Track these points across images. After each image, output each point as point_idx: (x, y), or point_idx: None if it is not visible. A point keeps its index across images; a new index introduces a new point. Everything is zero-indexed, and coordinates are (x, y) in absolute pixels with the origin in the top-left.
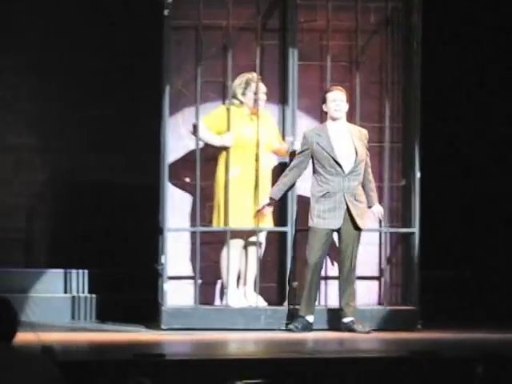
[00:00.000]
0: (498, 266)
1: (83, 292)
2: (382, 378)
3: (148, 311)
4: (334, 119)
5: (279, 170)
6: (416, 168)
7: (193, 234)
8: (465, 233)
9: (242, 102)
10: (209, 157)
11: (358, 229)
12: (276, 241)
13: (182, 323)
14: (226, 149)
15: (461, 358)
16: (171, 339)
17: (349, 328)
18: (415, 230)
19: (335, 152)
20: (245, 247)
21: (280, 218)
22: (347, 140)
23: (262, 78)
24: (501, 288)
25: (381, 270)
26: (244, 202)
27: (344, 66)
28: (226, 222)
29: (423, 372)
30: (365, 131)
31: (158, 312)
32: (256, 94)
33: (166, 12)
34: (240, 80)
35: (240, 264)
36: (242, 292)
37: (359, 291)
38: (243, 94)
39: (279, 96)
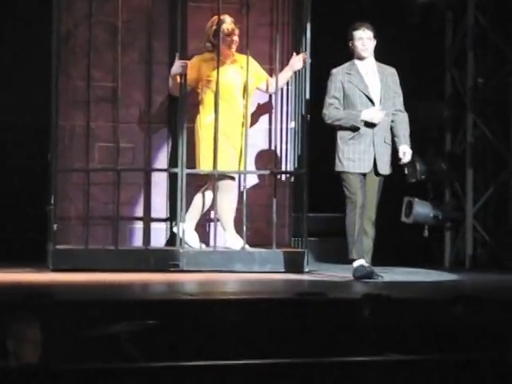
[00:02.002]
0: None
1: None
2: (271, 319)
3: (37, 252)
4: (361, 58)
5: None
6: (305, 110)
7: (82, 175)
8: None
9: (213, 45)
10: (100, 98)
11: (379, 175)
12: None
13: (71, 264)
14: (205, 93)
15: (348, 299)
16: (60, 280)
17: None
18: (304, 171)
19: (369, 89)
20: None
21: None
22: (377, 78)
23: (152, 19)
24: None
25: (269, 212)
26: (219, 146)
27: (235, 8)
28: (209, 165)
29: (312, 313)
30: (393, 69)
31: (47, 253)
32: (229, 35)
33: None
34: (211, 22)
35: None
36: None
37: (248, 233)
38: (214, 36)
39: (169, 37)
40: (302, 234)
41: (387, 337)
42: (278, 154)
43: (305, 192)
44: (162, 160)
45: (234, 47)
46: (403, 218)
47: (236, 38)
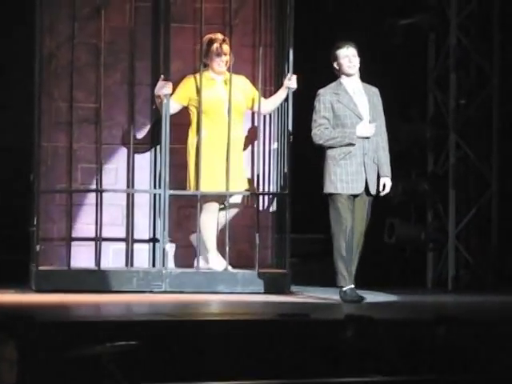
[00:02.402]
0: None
1: None
2: (253, 340)
3: (20, 273)
4: (348, 75)
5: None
6: (288, 132)
7: (65, 196)
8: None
9: (205, 65)
10: (82, 119)
11: (370, 195)
12: None
13: (54, 285)
14: (193, 113)
15: (330, 320)
16: (42, 301)
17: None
18: (286, 192)
19: (358, 109)
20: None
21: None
22: (364, 97)
23: (135, 40)
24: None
25: (252, 233)
26: (210, 166)
27: (217, 29)
28: (196, 186)
29: (294, 334)
30: (376, 89)
31: (29, 274)
32: (219, 55)
33: None
34: (203, 41)
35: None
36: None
37: (231, 254)
38: (206, 55)
39: (152, 58)
40: (285, 255)
41: (370, 358)
42: (261, 175)
43: (288, 213)
44: (145, 181)
45: (225, 66)
46: (386, 239)
47: (226, 57)
